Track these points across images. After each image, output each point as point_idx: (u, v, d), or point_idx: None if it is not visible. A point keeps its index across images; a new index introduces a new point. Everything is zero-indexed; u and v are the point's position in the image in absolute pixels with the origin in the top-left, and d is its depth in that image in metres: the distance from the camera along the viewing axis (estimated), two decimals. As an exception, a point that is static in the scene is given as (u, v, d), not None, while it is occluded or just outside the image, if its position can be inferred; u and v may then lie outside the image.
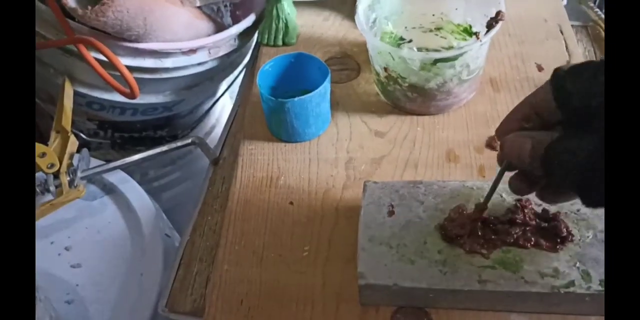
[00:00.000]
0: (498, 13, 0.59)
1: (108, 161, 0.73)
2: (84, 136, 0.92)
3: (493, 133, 0.62)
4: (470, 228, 0.48)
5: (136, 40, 0.70)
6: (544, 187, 0.41)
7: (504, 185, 0.52)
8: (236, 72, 0.93)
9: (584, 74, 0.36)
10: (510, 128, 0.41)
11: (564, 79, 0.37)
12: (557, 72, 0.38)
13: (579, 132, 0.35)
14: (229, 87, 0.98)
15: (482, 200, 0.48)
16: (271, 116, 0.63)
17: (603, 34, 0.74)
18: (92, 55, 0.68)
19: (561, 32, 0.71)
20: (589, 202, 0.35)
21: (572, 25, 0.73)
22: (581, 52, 0.72)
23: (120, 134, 0.93)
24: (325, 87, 0.61)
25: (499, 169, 0.44)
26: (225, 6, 0.88)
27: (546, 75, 0.65)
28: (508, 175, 0.43)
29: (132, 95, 0.67)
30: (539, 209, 0.49)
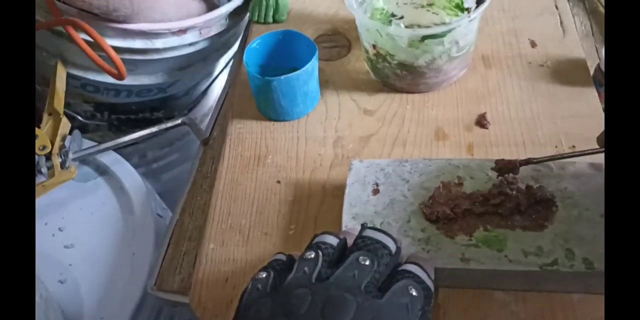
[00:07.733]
0: (488, -12, 0.58)
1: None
2: (81, 118, 0.92)
3: (483, 111, 0.61)
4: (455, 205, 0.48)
5: (124, 21, 0.69)
6: None
7: (490, 163, 0.52)
8: (231, 53, 0.92)
9: None
10: None
11: None
12: None
13: None
14: (224, 67, 0.97)
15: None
16: (259, 95, 0.62)
17: (600, 8, 0.72)
18: (81, 36, 0.68)
19: (556, 7, 0.70)
20: None
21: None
22: (578, 26, 0.70)
23: (116, 116, 0.93)
24: (313, 65, 0.60)
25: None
26: (221, -14, 0.87)
27: (539, 52, 0.65)
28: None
29: (119, 76, 0.67)
30: (523, 186, 0.49)
